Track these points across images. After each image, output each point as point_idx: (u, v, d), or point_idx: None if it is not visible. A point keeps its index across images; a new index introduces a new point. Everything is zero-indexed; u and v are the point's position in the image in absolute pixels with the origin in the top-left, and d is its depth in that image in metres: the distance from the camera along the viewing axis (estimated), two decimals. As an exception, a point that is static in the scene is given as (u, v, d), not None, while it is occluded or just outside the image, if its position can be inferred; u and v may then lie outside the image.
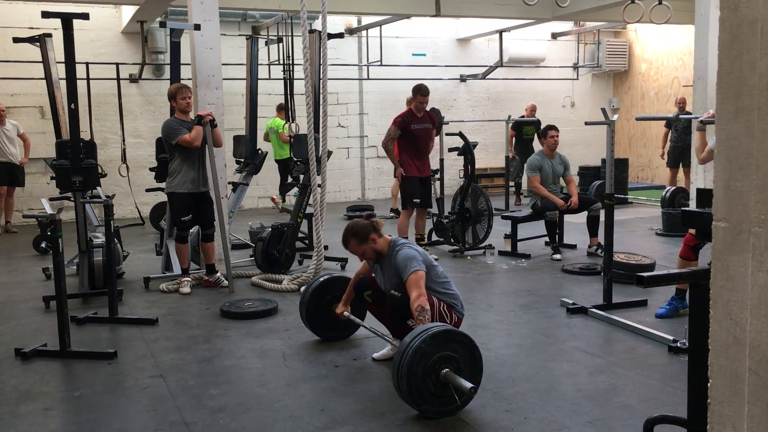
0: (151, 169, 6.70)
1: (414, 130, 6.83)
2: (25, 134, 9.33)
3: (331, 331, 4.42)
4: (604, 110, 5.13)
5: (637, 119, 6.29)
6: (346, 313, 4.17)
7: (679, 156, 10.70)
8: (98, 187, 6.97)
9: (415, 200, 6.86)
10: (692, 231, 4.44)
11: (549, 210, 6.89)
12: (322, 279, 4.46)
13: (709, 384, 1.47)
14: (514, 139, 11.16)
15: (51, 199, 6.79)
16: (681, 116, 5.39)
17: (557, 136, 7.12)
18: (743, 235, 1.36)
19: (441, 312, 3.90)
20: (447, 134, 8.57)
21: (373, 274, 4.17)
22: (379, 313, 4.14)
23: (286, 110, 8.56)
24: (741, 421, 1.39)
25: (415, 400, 3.17)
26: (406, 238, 6.60)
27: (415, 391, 3.16)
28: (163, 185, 6.06)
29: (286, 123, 8.54)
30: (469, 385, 3.12)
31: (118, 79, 9.58)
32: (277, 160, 10.52)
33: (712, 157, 4.27)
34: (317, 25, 6.71)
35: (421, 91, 6.82)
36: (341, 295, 4.26)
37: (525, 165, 7.36)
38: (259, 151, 7.33)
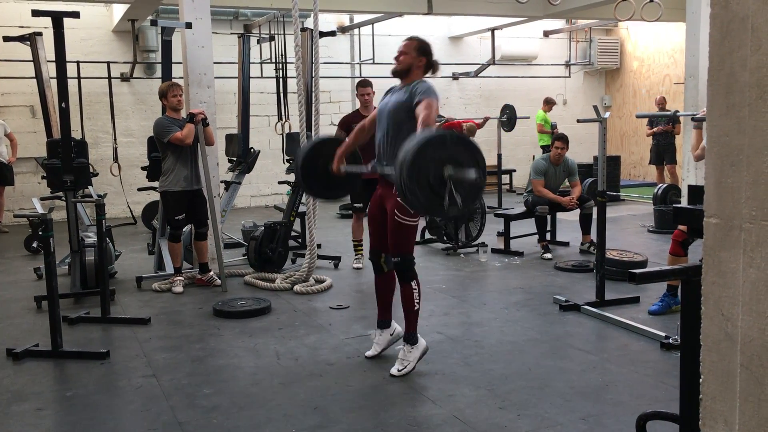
0: (143, 168, 6.67)
1: None
2: (12, 134, 9.23)
3: (328, 189, 4.19)
4: (596, 108, 5.14)
5: (638, 116, 6.28)
6: (343, 168, 3.90)
7: (661, 153, 10.76)
8: (90, 187, 6.93)
9: (355, 204, 6.41)
10: (681, 227, 4.46)
11: (539, 204, 6.91)
12: (315, 142, 4.30)
13: (701, 380, 1.47)
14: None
15: (42, 199, 6.77)
16: (678, 114, 5.40)
17: (561, 148, 6.97)
18: (734, 231, 1.37)
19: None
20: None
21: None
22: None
23: (278, 109, 8.56)
24: (733, 417, 1.39)
25: (409, 175, 3.00)
26: (359, 240, 6.53)
27: (416, 168, 3.00)
28: (155, 184, 6.04)
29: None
30: (474, 174, 3.02)
31: (110, 77, 9.55)
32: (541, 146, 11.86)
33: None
34: (309, 23, 6.69)
35: (359, 84, 6.46)
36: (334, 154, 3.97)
37: (531, 166, 7.28)
38: (252, 150, 7.31)
